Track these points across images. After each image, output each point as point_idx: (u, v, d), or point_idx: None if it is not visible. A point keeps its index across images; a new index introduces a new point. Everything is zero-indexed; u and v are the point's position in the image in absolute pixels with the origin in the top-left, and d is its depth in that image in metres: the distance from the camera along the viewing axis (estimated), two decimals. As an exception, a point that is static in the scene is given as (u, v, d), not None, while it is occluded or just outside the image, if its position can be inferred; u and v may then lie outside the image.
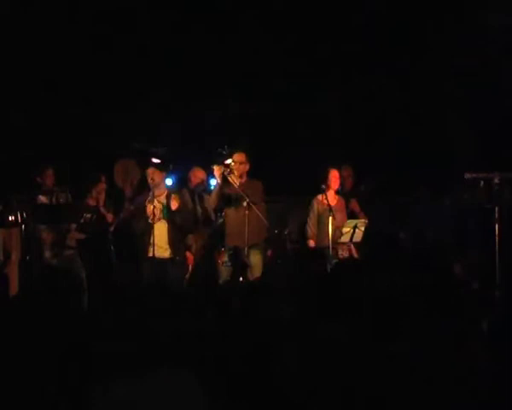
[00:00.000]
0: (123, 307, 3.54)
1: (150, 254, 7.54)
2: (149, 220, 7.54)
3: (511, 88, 9.32)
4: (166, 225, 7.57)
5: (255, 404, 3.26)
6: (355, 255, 8.11)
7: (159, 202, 7.62)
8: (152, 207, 7.54)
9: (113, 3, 9.98)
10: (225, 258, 7.88)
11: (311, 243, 8.22)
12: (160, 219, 7.56)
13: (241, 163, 7.93)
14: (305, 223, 8.40)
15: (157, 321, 3.19)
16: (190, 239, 8.24)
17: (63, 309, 3.77)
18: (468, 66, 9.80)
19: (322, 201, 8.19)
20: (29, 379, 3.25)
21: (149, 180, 7.61)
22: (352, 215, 8.49)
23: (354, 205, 8.64)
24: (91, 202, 8.26)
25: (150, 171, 7.66)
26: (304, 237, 8.41)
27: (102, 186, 8.34)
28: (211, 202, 8.02)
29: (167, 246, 7.60)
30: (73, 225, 7.95)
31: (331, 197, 8.20)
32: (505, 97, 9.35)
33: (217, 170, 7.82)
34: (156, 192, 7.63)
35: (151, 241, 7.50)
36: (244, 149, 8.09)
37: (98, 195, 8.28)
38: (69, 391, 3.24)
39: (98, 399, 2.77)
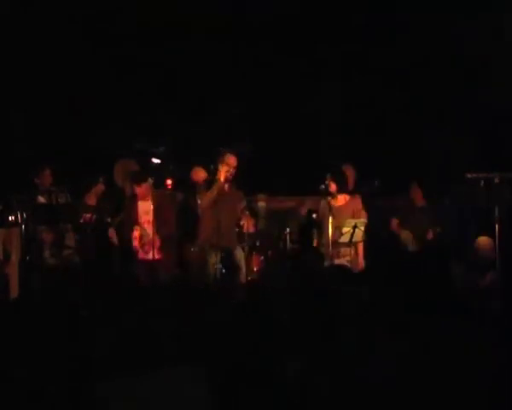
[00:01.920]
0: (121, 306, 3.54)
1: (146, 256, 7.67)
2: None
3: (511, 88, 9.32)
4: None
5: (257, 403, 3.26)
6: (361, 259, 8.06)
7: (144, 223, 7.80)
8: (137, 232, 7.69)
9: (113, 4, 9.99)
10: (216, 259, 7.88)
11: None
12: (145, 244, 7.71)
13: (234, 167, 7.94)
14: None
15: (156, 321, 3.19)
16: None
17: (63, 309, 3.77)
18: (469, 65, 9.81)
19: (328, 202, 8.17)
20: (29, 379, 3.25)
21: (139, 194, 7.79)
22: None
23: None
24: (90, 202, 8.27)
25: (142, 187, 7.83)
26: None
27: (101, 187, 8.37)
28: (206, 202, 7.90)
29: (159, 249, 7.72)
30: (69, 226, 7.97)
31: (340, 198, 8.17)
32: (505, 97, 9.34)
33: (223, 171, 7.83)
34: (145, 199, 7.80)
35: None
36: (236, 153, 8.06)
37: (96, 195, 8.32)
38: (70, 391, 3.24)
39: (100, 398, 2.77)
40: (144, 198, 7.82)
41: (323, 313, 3.76)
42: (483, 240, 7.33)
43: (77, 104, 10.02)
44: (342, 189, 8.08)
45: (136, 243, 7.70)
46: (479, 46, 9.46)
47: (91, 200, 8.31)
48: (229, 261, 7.85)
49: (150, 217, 7.72)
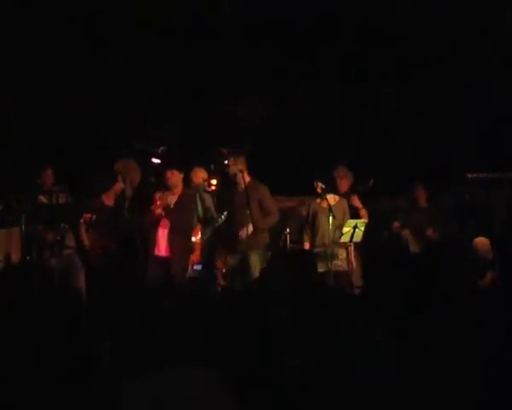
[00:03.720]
0: (125, 306, 3.55)
1: (153, 253, 7.72)
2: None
3: (511, 88, 9.32)
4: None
5: (257, 402, 3.26)
6: (352, 260, 8.11)
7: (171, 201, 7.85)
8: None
9: (113, 4, 9.99)
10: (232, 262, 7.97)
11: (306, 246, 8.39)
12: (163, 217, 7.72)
13: (230, 166, 7.99)
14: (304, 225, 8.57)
15: (159, 320, 3.19)
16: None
17: (63, 310, 3.77)
18: (469, 65, 9.81)
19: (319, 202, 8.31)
20: (30, 379, 3.25)
21: (167, 181, 7.86)
22: (354, 212, 8.46)
23: (355, 201, 8.58)
24: (108, 201, 8.28)
25: (169, 172, 7.90)
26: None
27: (120, 186, 8.40)
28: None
29: (167, 246, 7.73)
30: (84, 226, 7.99)
31: (330, 199, 8.21)
32: (505, 97, 9.35)
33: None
34: (173, 192, 7.88)
35: (154, 239, 7.74)
36: (230, 152, 8.10)
37: (115, 194, 8.35)
38: (70, 391, 3.24)
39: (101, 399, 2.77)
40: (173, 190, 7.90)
41: (323, 312, 3.76)
42: (480, 241, 7.34)
43: (77, 104, 10.01)
44: (330, 190, 8.18)
45: (158, 211, 7.75)
46: (479, 46, 9.46)
47: (109, 199, 8.31)
48: (242, 265, 7.87)
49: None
